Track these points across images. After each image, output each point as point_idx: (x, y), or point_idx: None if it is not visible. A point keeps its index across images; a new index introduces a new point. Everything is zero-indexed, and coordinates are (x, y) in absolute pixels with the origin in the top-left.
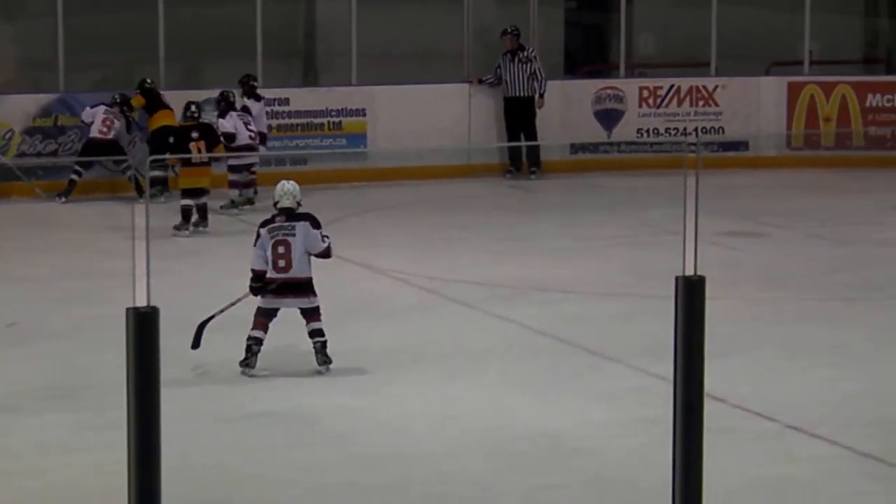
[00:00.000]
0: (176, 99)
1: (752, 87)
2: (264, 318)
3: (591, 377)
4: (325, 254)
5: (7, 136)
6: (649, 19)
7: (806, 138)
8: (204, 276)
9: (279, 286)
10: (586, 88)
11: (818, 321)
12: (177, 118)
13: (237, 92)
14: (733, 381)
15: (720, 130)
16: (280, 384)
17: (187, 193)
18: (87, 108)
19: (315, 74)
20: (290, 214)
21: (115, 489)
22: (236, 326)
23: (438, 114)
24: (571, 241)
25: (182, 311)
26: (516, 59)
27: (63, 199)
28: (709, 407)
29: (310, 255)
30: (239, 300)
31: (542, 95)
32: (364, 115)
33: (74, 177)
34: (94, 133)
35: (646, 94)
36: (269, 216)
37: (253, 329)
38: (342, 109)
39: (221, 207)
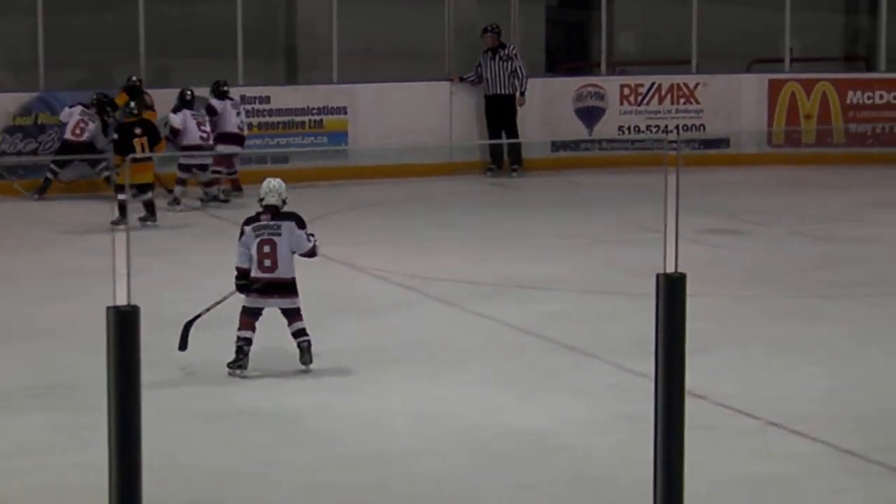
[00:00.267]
0: (156, 97)
1: (733, 85)
2: (250, 317)
3: (572, 374)
4: (311, 253)
5: None
6: (630, 17)
7: (787, 135)
8: (183, 274)
9: (264, 286)
10: (567, 86)
11: (799, 318)
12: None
13: (193, 92)
14: (715, 378)
15: (701, 128)
16: (262, 384)
17: (124, 189)
18: (66, 108)
19: (296, 72)
20: (276, 213)
21: (96, 488)
22: (219, 324)
23: (420, 112)
24: (552, 239)
25: (162, 308)
26: (497, 58)
27: (37, 197)
28: (690, 404)
29: (294, 254)
30: (225, 298)
31: (522, 93)
32: (345, 113)
33: (49, 175)
34: (68, 135)
35: (627, 91)
36: (252, 213)
37: (240, 329)
38: (323, 107)
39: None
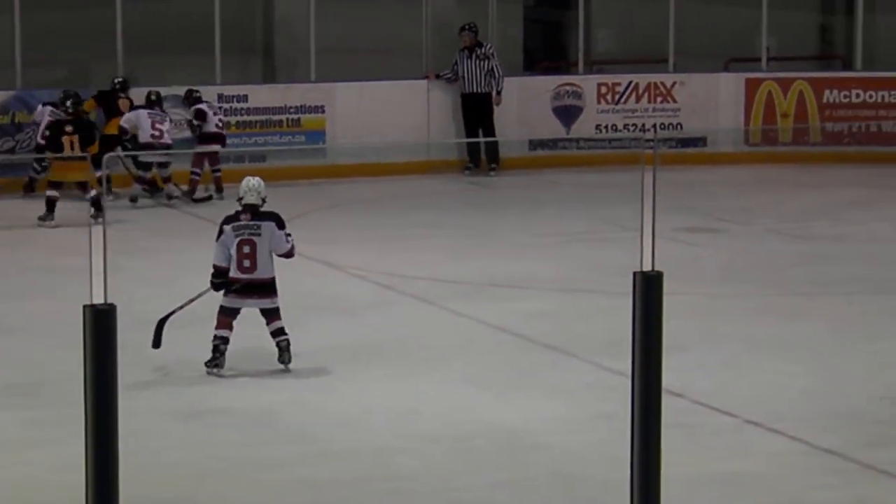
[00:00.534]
0: (133, 95)
1: (710, 84)
2: (228, 316)
3: (549, 373)
4: (289, 254)
5: None
6: (608, 16)
7: (764, 134)
8: (157, 272)
9: (243, 286)
10: (545, 85)
11: (777, 316)
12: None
13: (160, 93)
14: (692, 377)
15: (678, 127)
16: (240, 382)
17: (54, 185)
18: (39, 107)
19: (274, 71)
20: (255, 212)
21: (72, 486)
22: (195, 323)
23: (397, 110)
24: (530, 238)
25: (136, 307)
26: (474, 56)
27: (23, 195)
28: (667, 402)
29: (273, 254)
30: (199, 296)
31: (499, 92)
32: (323, 111)
33: (33, 174)
34: (39, 137)
35: (604, 90)
36: (232, 212)
37: (218, 328)
38: (301, 106)
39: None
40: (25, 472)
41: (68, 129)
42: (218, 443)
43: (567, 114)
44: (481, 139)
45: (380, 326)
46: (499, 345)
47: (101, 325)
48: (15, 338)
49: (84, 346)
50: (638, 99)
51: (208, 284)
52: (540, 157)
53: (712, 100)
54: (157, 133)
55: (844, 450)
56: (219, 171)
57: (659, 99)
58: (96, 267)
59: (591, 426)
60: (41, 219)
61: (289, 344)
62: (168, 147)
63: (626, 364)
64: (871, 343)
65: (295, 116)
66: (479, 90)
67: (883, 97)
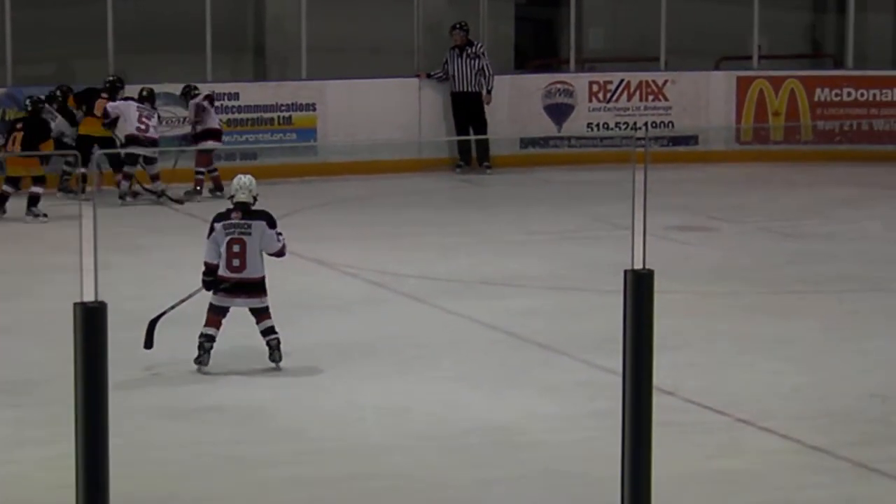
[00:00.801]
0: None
1: (702, 82)
2: (217, 315)
3: (541, 371)
4: (280, 253)
5: None
6: (599, 14)
7: (755, 133)
8: (148, 270)
9: (232, 285)
10: (536, 83)
11: (768, 315)
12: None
13: (153, 90)
14: (683, 375)
15: (670, 125)
16: (230, 380)
17: (11, 182)
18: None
19: (265, 69)
20: (246, 210)
21: (63, 484)
22: (186, 322)
23: (388, 108)
24: (521, 236)
25: (126, 305)
26: (464, 55)
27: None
28: (658, 400)
29: (263, 253)
30: (191, 296)
31: (489, 91)
32: (314, 109)
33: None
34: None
35: (596, 88)
36: (223, 209)
37: (206, 326)
38: (292, 104)
39: (186, 193)
40: (15, 470)
41: (18, 125)
42: (209, 441)
43: (558, 112)
44: (472, 137)
45: (371, 324)
46: (490, 343)
47: (91, 323)
48: (5, 336)
49: (74, 344)
50: (629, 97)
51: (199, 284)
52: (531, 155)
53: (703, 98)
54: (142, 126)
55: (835, 448)
56: (215, 169)
57: (650, 97)
58: (86, 265)
59: (583, 424)
60: None
61: (279, 343)
62: (153, 142)
63: (617, 362)
64: (862, 341)
65: (286, 114)
66: (470, 89)
67: (874, 96)
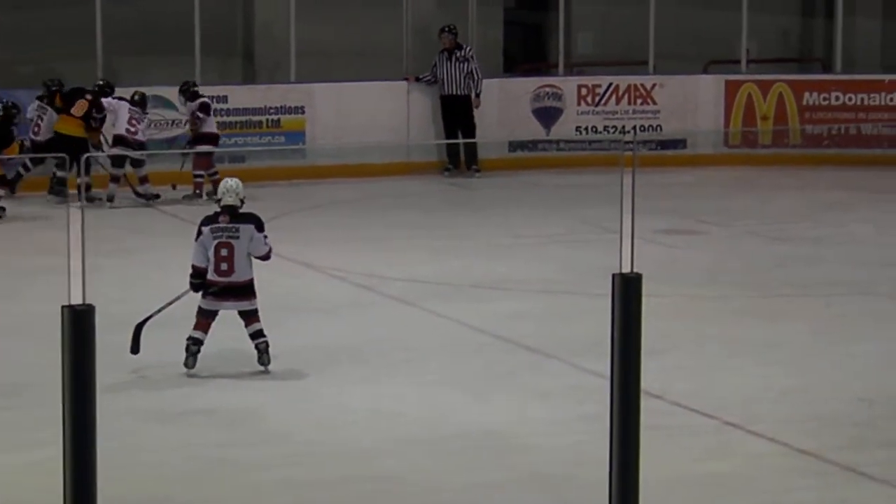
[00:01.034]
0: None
1: (690, 86)
2: (206, 318)
3: (529, 374)
4: (266, 257)
5: None
6: (588, 18)
7: (743, 136)
8: (135, 273)
9: (221, 288)
10: (525, 86)
11: (756, 318)
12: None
13: (144, 95)
14: (671, 378)
15: (658, 128)
16: (219, 384)
17: None
18: (30, 106)
19: (254, 72)
20: (234, 214)
21: (50, 487)
22: (175, 325)
23: (377, 111)
24: (510, 239)
25: (114, 308)
26: (453, 58)
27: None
28: (646, 404)
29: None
30: (177, 299)
31: (478, 95)
32: (303, 112)
33: (22, 171)
34: (30, 134)
35: (584, 92)
36: (211, 213)
37: (194, 329)
38: (281, 107)
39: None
40: (3, 473)
41: None
42: (198, 444)
43: (547, 115)
44: (461, 140)
45: (359, 327)
46: (479, 346)
47: (79, 325)
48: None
49: (62, 347)
50: (618, 101)
51: (185, 287)
52: (520, 159)
53: (692, 102)
54: (131, 129)
55: (823, 452)
56: (216, 172)
57: (639, 101)
58: (74, 267)
59: (572, 428)
60: None
61: (268, 346)
62: (141, 145)
63: (606, 366)
64: (850, 345)
65: (275, 117)
66: (459, 92)
67: (862, 100)
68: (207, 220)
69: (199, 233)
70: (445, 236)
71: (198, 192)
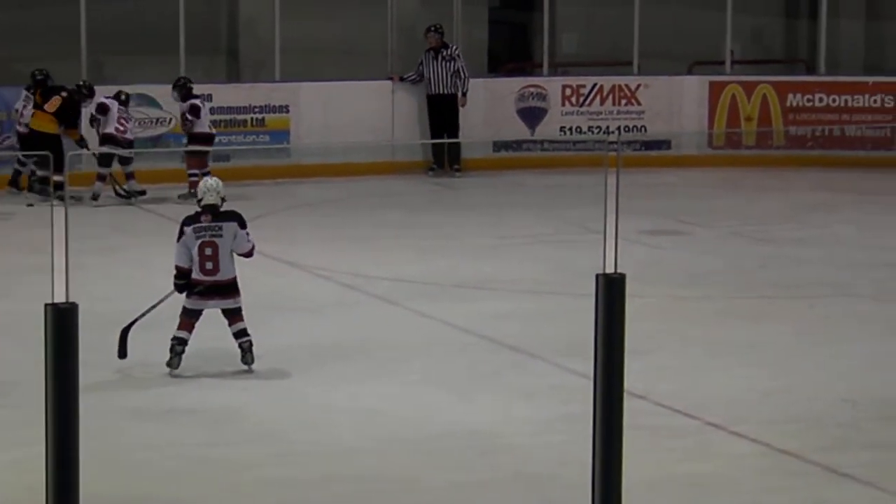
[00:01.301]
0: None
1: (675, 87)
2: (190, 318)
3: (513, 374)
4: (250, 253)
5: None
6: (572, 18)
7: (727, 137)
8: (120, 272)
9: (206, 288)
10: (510, 86)
11: (739, 319)
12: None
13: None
14: (654, 378)
15: (642, 129)
16: (202, 383)
17: None
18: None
19: (238, 70)
20: (216, 213)
21: (33, 486)
22: (160, 324)
23: (362, 111)
24: (494, 239)
25: (98, 307)
26: (440, 57)
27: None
28: (630, 404)
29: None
30: (162, 300)
31: (464, 94)
32: (287, 111)
33: (18, 167)
34: (21, 128)
35: (569, 92)
36: (192, 212)
37: (179, 329)
38: (265, 106)
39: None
40: None
41: None
42: (182, 443)
43: (531, 115)
44: (445, 140)
45: (344, 327)
46: (463, 346)
47: (62, 324)
48: None
49: (45, 345)
50: (602, 101)
51: (171, 288)
52: (504, 159)
53: (676, 103)
54: (121, 128)
55: (805, 452)
56: (209, 171)
57: (623, 101)
58: (58, 265)
59: (555, 428)
60: None
61: (251, 345)
62: (130, 143)
63: (590, 366)
64: (833, 346)
65: (259, 116)
66: (445, 91)
67: (846, 101)
68: (189, 220)
69: (182, 233)
70: (430, 236)
71: (192, 191)
